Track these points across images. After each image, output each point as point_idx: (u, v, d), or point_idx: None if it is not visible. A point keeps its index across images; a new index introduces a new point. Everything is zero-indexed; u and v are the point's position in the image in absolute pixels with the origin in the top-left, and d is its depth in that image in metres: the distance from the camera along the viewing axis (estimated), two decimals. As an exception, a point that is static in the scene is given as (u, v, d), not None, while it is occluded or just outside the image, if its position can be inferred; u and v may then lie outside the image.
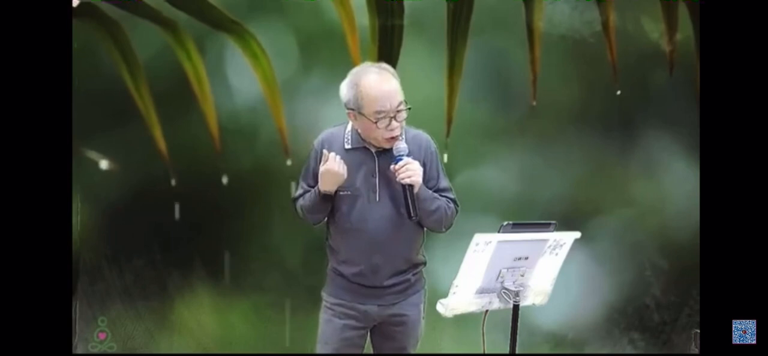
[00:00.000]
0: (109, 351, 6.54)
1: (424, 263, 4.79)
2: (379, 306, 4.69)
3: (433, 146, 4.72)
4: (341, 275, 4.71)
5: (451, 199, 4.70)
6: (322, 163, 4.56)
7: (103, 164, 6.47)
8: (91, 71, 6.33)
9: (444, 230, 4.72)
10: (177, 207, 6.52)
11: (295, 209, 4.77)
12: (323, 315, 4.77)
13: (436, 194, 4.65)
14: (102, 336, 6.53)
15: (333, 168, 4.54)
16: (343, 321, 4.70)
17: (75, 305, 6.46)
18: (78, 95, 4.88)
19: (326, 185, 4.58)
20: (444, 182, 4.71)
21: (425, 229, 4.72)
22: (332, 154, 4.55)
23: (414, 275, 4.73)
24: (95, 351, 6.52)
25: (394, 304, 4.70)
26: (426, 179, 4.63)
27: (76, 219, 6.39)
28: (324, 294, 4.79)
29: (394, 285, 4.68)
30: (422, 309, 4.77)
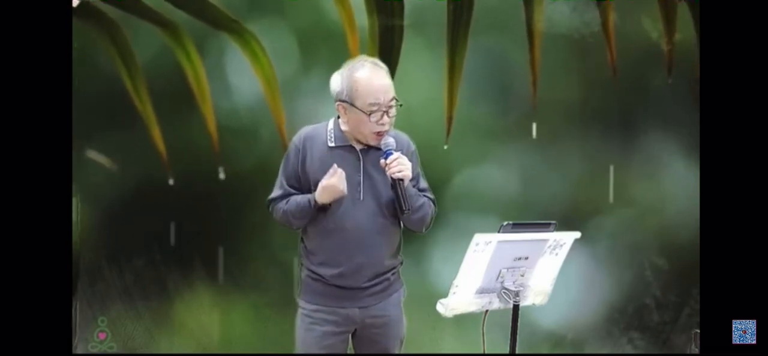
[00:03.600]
0: (109, 351, 6.54)
1: (402, 263, 4.73)
2: (360, 308, 4.60)
3: (413, 146, 4.67)
4: (319, 278, 4.60)
5: (431, 199, 4.67)
6: (327, 177, 4.49)
7: (108, 165, 6.48)
8: (91, 71, 6.33)
9: (424, 230, 4.69)
10: (177, 207, 6.52)
11: (271, 210, 4.68)
12: (300, 323, 4.64)
13: (418, 192, 4.62)
14: (102, 336, 6.52)
15: (338, 186, 4.48)
16: (323, 328, 4.59)
17: (75, 305, 6.46)
18: (78, 96, 4.88)
19: (325, 197, 4.51)
20: (423, 183, 4.68)
21: (402, 230, 4.66)
22: (339, 171, 4.49)
23: (393, 274, 4.67)
24: (95, 351, 6.52)
25: (374, 305, 4.61)
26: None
27: (76, 219, 6.38)
28: (300, 301, 4.67)
29: (373, 285, 4.60)
30: (402, 308, 4.70)
